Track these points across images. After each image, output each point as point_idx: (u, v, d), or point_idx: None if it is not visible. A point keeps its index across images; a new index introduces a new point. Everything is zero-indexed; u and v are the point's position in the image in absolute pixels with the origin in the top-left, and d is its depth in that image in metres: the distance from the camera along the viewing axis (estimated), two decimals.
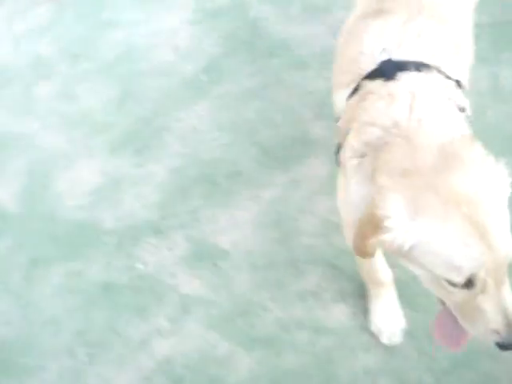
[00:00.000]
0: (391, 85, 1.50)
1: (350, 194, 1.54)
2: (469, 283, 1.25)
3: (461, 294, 1.29)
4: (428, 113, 1.42)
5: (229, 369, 2.02)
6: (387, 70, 1.54)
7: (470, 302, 1.29)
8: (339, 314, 2.09)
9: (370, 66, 1.59)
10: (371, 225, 1.28)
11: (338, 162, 1.65)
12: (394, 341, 2.02)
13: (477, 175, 1.27)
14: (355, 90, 1.59)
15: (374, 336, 2.03)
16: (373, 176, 1.40)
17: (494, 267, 1.23)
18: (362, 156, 1.47)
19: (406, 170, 1.30)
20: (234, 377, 2.00)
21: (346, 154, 1.54)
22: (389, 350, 2.00)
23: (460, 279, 1.24)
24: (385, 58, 1.58)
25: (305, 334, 2.06)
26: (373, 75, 1.57)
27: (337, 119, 1.69)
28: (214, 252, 2.25)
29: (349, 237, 1.78)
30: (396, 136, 1.39)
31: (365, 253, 1.38)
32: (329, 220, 2.26)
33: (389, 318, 2.02)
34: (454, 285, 1.27)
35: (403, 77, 1.51)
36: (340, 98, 1.67)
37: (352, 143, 1.50)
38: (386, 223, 1.24)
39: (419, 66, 1.54)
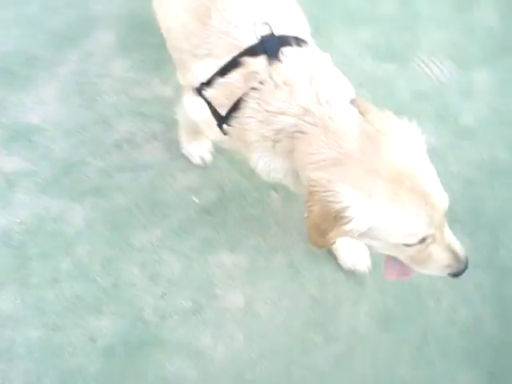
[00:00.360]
0: (280, 69, 1.49)
1: (257, 163, 1.64)
2: (421, 240, 1.40)
3: (414, 249, 1.44)
4: (331, 91, 1.46)
5: (66, 223, 2.16)
6: (271, 47, 1.52)
7: (422, 252, 1.44)
8: (153, 150, 2.32)
9: (249, 40, 1.56)
10: (328, 220, 1.34)
11: (224, 132, 1.68)
12: (205, 161, 2.27)
13: (403, 146, 1.36)
14: (231, 66, 1.57)
15: (189, 160, 2.28)
16: (288, 156, 1.50)
17: (439, 221, 1.38)
18: (276, 141, 1.51)
19: (337, 159, 1.36)
20: (72, 228, 2.15)
21: (251, 137, 1.57)
22: (203, 168, 2.27)
23: (415, 241, 1.40)
24: (266, 32, 1.56)
25: (127, 175, 2.26)
26: (254, 51, 1.54)
27: (198, 88, 1.68)
28: (26, 130, 2.32)
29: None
30: (311, 124, 1.42)
31: (325, 245, 1.45)
32: (126, 78, 2.47)
33: (198, 143, 2.25)
34: (408, 245, 1.42)
35: (288, 54, 1.52)
36: (203, 69, 1.65)
37: (261, 131, 1.52)
38: (347, 213, 1.31)
39: (298, 41, 1.56)
